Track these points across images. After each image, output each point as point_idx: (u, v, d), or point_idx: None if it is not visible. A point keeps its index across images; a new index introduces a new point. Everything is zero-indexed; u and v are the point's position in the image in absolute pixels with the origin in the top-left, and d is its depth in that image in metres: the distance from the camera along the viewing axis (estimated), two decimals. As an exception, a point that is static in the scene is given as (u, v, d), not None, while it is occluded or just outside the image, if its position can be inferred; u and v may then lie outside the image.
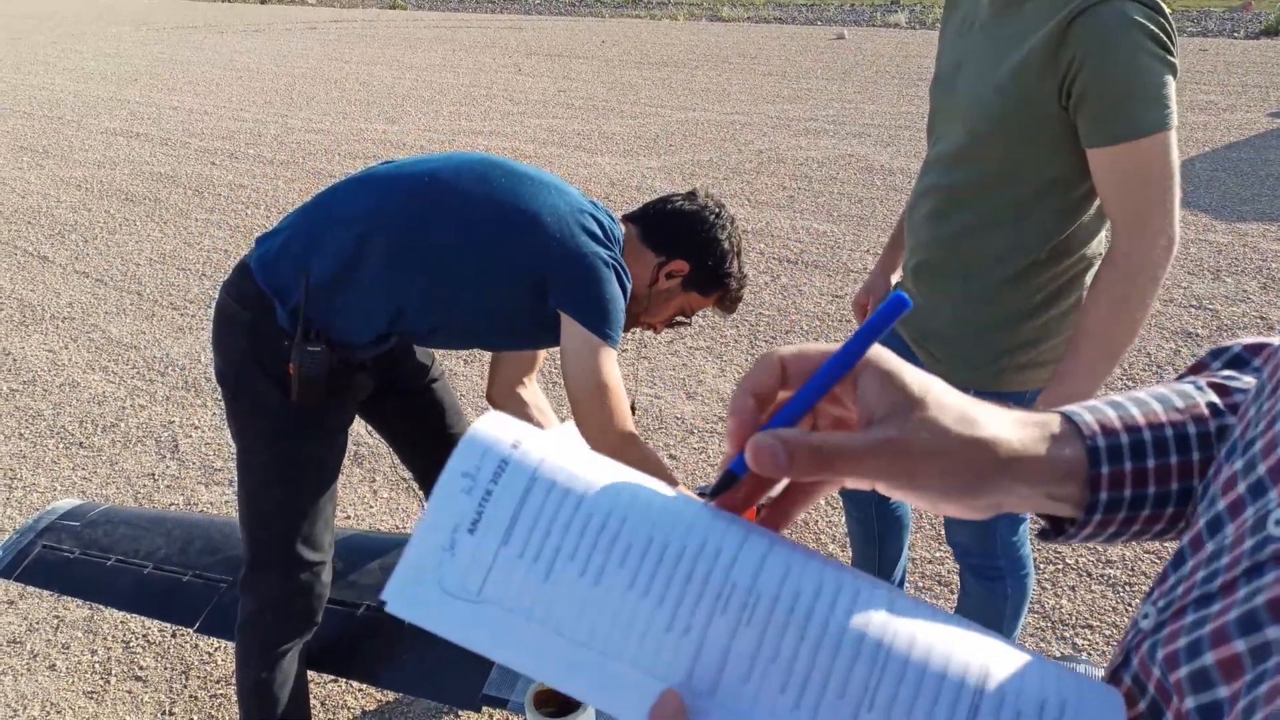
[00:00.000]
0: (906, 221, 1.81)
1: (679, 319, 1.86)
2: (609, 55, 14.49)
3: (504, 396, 1.97)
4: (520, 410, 1.96)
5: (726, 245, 1.77)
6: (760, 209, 6.19)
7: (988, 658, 0.44)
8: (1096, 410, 0.51)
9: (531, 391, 1.99)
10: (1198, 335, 4.07)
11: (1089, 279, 1.60)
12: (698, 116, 9.48)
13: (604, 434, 1.65)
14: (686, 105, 10.13)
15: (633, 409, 2.09)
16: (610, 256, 1.62)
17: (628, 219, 1.79)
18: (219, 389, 3.80)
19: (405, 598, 0.46)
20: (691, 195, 1.80)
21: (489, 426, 0.52)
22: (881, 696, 0.42)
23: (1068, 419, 0.50)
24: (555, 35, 17.47)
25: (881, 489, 0.46)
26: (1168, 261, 1.44)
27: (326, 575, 1.74)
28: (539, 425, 1.98)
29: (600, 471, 0.49)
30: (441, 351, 4.07)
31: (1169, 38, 1.38)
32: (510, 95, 11.12)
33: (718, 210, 1.78)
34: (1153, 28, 1.36)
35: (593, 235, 1.61)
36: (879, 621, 0.44)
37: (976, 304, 1.65)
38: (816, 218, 5.98)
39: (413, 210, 1.61)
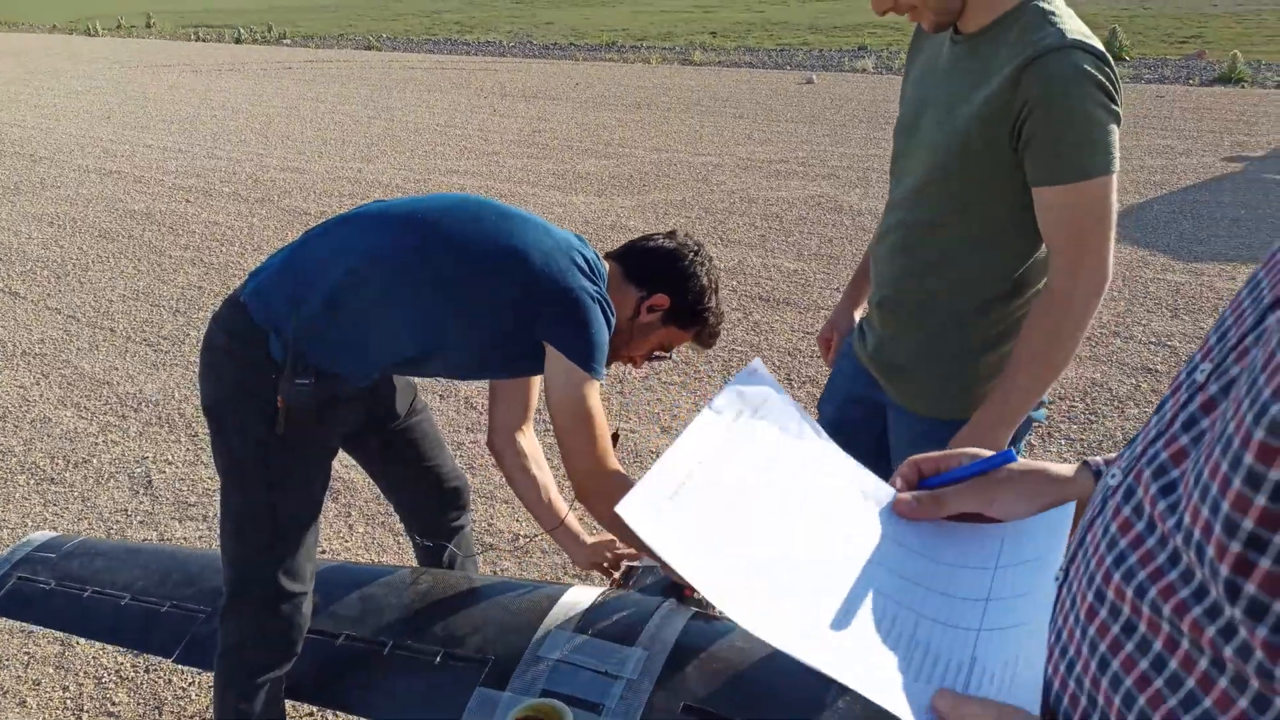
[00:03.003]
0: (871, 258, 1.88)
1: (658, 353, 1.92)
2: (582, 97, 14.68)
3: (504, 444, 2.01)
4: (517, 461, 2.01)
5: (705, 281, 1.84)
6: (732, 248, 6.29)
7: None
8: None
9: (530, 442, 2.04)
10: (1157, 371, 4.19)
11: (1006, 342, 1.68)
12: (670, 158, 9.63)
13: (585, 462, 1.70)
14: (659, 147, 10.29)
15: (615, 439, 2.14)
16: (596, 292, 1.68)
17: (610, 256, 1.86)
18: (194, 423, 3.81)
19: (637, 506, 0.70)
20: (671, 235, 1.88)
21: (760, 369, 0.92)
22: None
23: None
24: (529, 77, 17.68)
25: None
26: (1098, 299, 1.53)
27: (307, 606, 1.76)
28: (535, 478, 2.02)
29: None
30: (422, 383, 4.10)
31: (1114, 87, 1.47)
32: (485, 135, 11.23)
33: (696, 249, 1.86)
34: (1100, 78, 1.44)
35: (580, 270, 1.68)
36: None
37: (938, 336, 1.71)
38: (787, 256, 6.09)
39: (405, 246, 1.66)
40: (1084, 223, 1.49)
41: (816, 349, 4.52)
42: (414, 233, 1.68)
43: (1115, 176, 1.49)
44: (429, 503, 2.10)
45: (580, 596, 1.85)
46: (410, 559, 2.30)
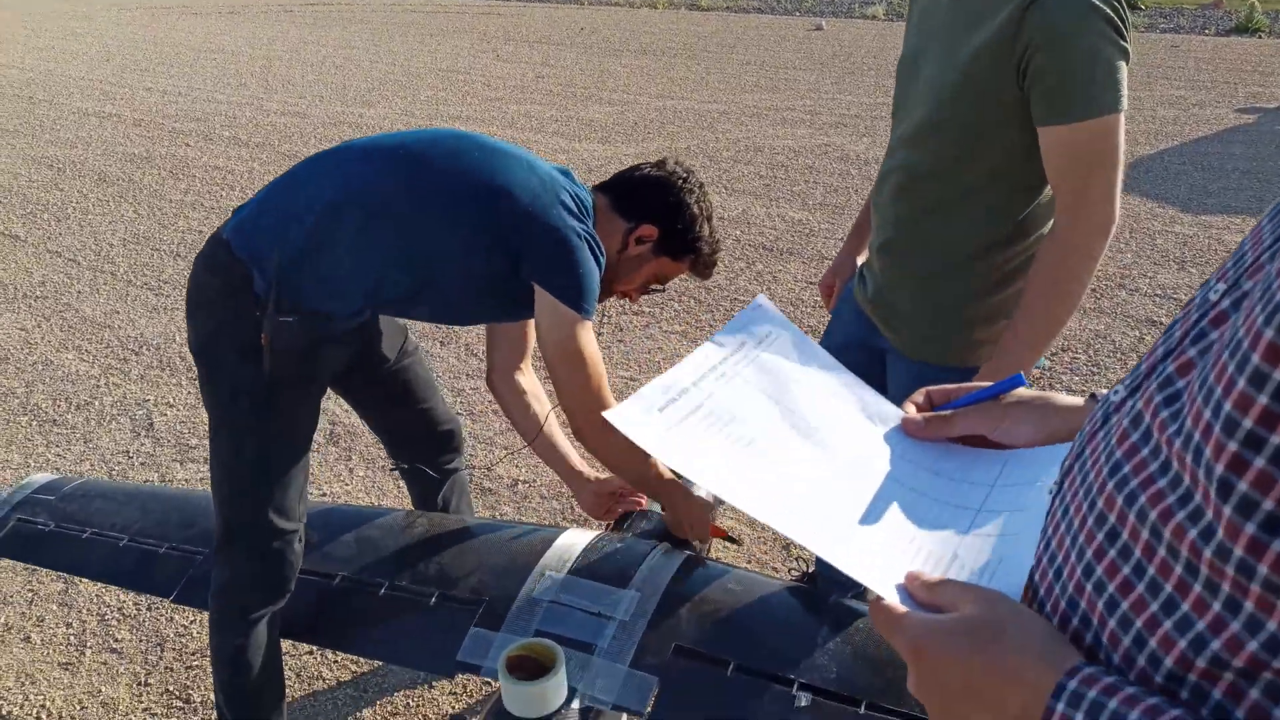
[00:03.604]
0: (872, 201, 1.86)
1: (654, 286, 1.89)
2: (588, 42, 14.46)
3: (503, 383, 2.00)
4: (518, 399, 2.01)
5: (695, 209, 1.79)
6: (737, 197, 6.23)
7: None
8: None
9: (529, 379, 2.03)
10: (1161, 324, 4.16)
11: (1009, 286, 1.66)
12: (676, 105, 9.50)
13: (579, 400, 1.69)
14: (665, 94, 10.15)
15: None
16: (583, 229, 1.65)
17: (599, 189, 1.83)
18: (193, 364, 3.81)
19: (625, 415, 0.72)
20: (660, 164, 1.84)
21: (766, 306, 0.92)
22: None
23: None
24: (534, 22, 17.40)
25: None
26: (1105, 240, 1.50)
27: (298, 544, 1.77)
28: (536, 414, 2.02)
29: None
30: (421, 329, 4.09)
31: (1123, 23, 1.43)
32: (488, 81, 11.08)
33: (685, 176, 1.81)
34: (1108, 11, 1.41)
35: (565, 208, 1.64)
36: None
37: (937, 281, 1.70)
38: (792, 206, 6.03)
39: (385, 182, 1.64)
40: (1090, 162, 1.46)
41: (820, 299, 4.49)
42: (394, 166, 1.65)
43: (1123, 115, 1.45)
44: (422, 445, 2.11)
45: (575, 539, 1.86)
46: (409, 503, 2.31)
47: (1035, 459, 0.76)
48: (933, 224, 1.67)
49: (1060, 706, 0.51)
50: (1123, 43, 1.43)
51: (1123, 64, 1.43)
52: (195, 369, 1.76)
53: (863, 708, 1.47)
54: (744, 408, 0.78)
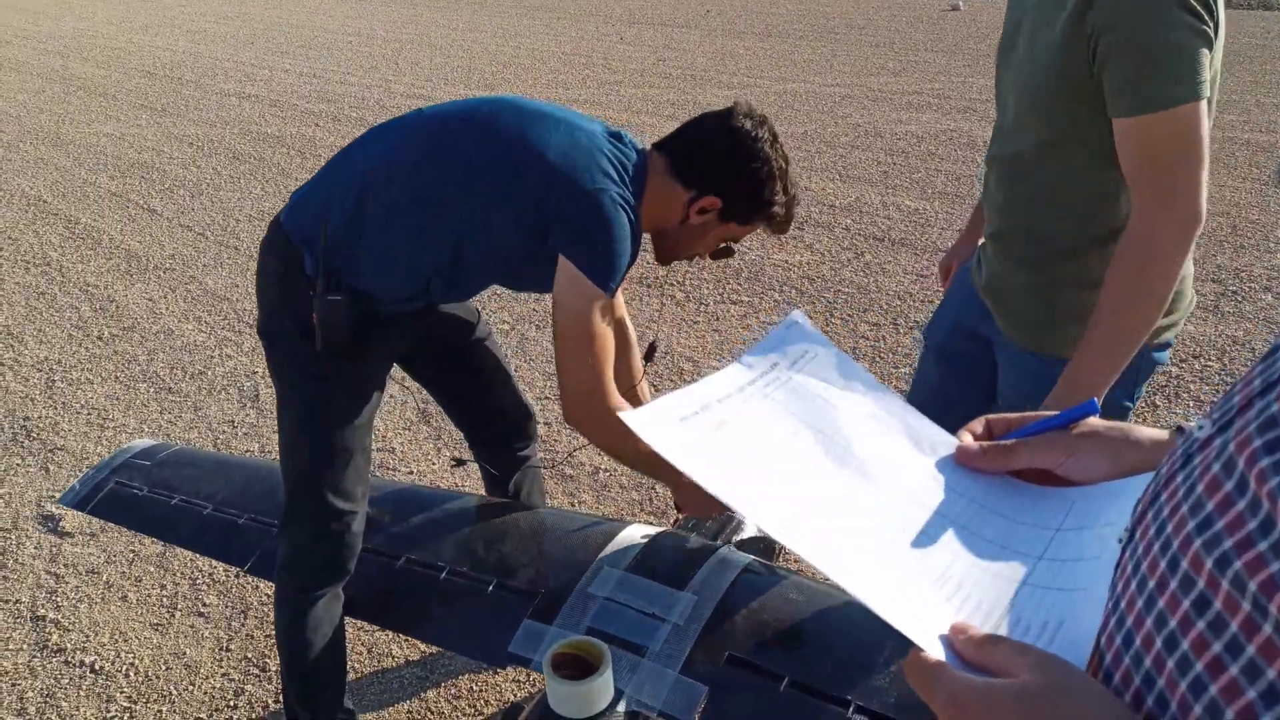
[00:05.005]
0: (981, 189, 1.77)
1: (724, 245, 1.76)
2: (712, 25, 14.30)
3: (620, 404, 1.94)
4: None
5: (764, 173, 1.63)
6: (851, 184, 6.03)
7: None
8: None
9: (645, 397, 1.99)
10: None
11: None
12: (796, 88, 9.29)
13: (577, 383, 1.61)
14: (786, 77, 9.94)
15: (651, 351, 2.04)
16: (620, 196, 1.54)
17: (657, 147, 1.69)
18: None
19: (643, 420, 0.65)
20: (726, 116, 1.64)
21: (801, 323, 0.82)
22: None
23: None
24: (660, 4, 17.34)
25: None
26: (1189, 241, 1.38)
27: (358, 525, 1.77)
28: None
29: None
30: (520, 311, 4.09)
31: (1203, 3, 1.29)
32: (609, 64, 11.09)
33: (753, 132, 1.63)
34: None
35: (603, 172, 1.55)
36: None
37: (1046, 270, 1.60)
38: (909, 194, 5.80)
39: (415, 157, 1.60)
40: (1165, 156, 1.35)
41: (928, 294, 4.30)
42: (423, 143, 1.60)
43: (1203, 103, 1.32)
44: (493, 432, 2.09)
45: (636, 535, 1.81)
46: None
47: (1109, 497, 0.66)
48: (1038, 212, 1.56)
49: None
50: (1202, 25, 1.29)
51: (1200, 49, 1.30)
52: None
53: (921, 738, 1.38)
54: (771, 431, 0.69)
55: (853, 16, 14.61)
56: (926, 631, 0.52)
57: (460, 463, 2.12)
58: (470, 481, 3.04)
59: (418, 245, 1.61)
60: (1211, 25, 1.31)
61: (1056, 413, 0.72)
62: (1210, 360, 3.59)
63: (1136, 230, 1.39)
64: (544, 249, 1.58)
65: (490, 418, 2.08)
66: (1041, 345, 1.65)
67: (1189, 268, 1.54)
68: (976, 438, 0.74)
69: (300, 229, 1.62)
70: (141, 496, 2.26)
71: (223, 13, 17.54)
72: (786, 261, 4.74)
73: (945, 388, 1.90)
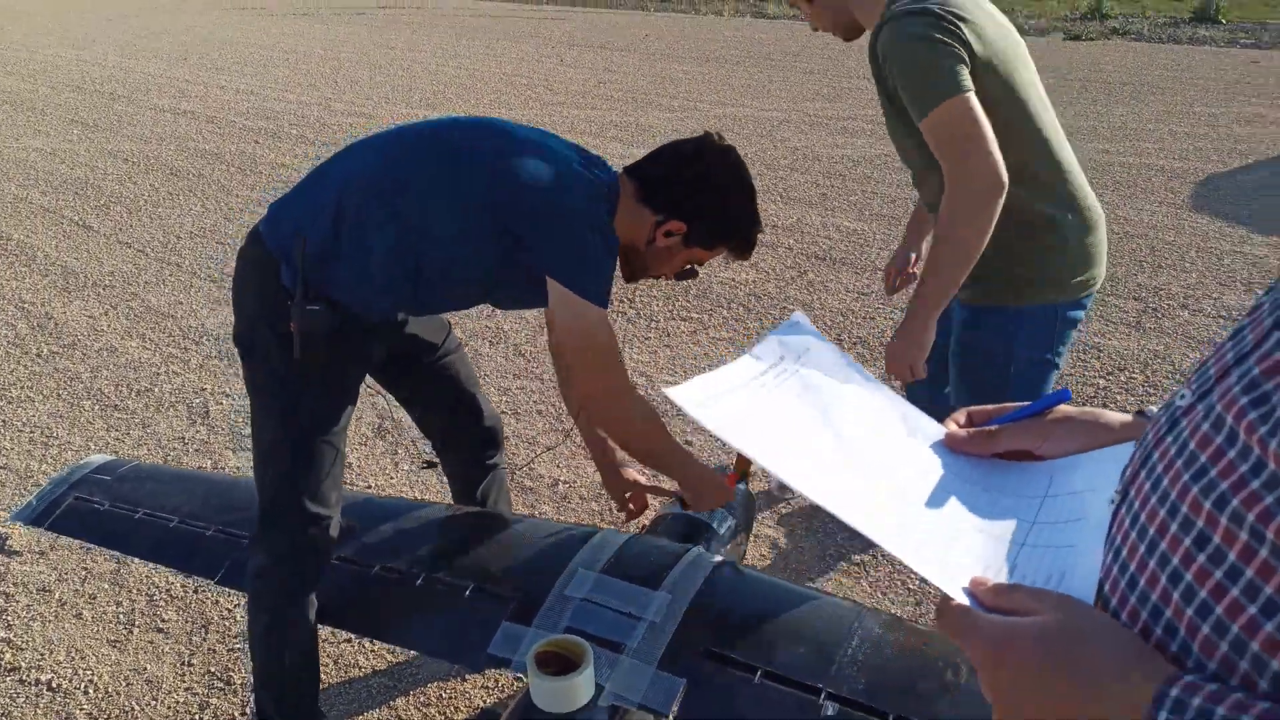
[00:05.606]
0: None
1: (687, 268, 1.84)
2: (651, 49, 14.50)
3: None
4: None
5: (729, 203, 1.72)
6: (792, 205, 6.19)
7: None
8: None
9: None
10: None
11: (1042, 228, 1.90)
12: (736, 112, 9.48)
13: (594, 387, 1.68)
14: (726, 100, 10.13)
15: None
16: (593, 218, 1.62)
17: (628, 172, 1.77)
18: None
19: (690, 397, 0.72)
20: (699, 144, 1.74)
21: (801, 324, 0.91)
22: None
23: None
24: (599, 27, 17.50)
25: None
26: (993, 200, 1.73)
27: (333, 530, 1.80)
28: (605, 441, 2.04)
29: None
30: (470, 329, 4.13)
31: (940, 19, 1.72)
32: (550, 85, 11.18)
33: (722, 165, 1.72)
34: (920, 21, 1.73)
35: (577, 195, 1.62)
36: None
37: None
38: (848, 216, 5.98)
39: (392, 175, 1.65)
40: (951, 141, 1.73)
41: (870, 309, 4.45)
42: (400, 161, 1.66)
43: (969, 95, 1.70)
44: (462, 440, 2.13)
45: (608, 540, 1.86)
46: (451, 498, 2.34)
47: (1082, 466, 0.75)
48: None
49: (1164, 715, 0.49)
50: (949, 45, 1.71)
51: (954, 63, 1.71)
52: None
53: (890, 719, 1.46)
54: (793, 412, 0.77)
55: (787, 44, 14.94)
56: (953, 580, 0.60)
57: (431, 465, 2.16)
58: (431, 493, 3.06)
59: (393, 262, 1.65)
60: (958, 43, 1.72)
61: (1030, 403, 0.81)
62: (1135, 373, 3.79)
63: (945, 200, 1.77)
64: (520, 269, 1.64)
65: (461, 426, 2.12)
66: (970, 298, 1.99)
67: (1101, 236, 1.95)
68: (960, 426, 0.83)
69: (278, 242, 1.66)
70: (103, 511, 2.24)
71: (150, 28, 17.20)
72: (733, 279, 4.85)
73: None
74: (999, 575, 0.64)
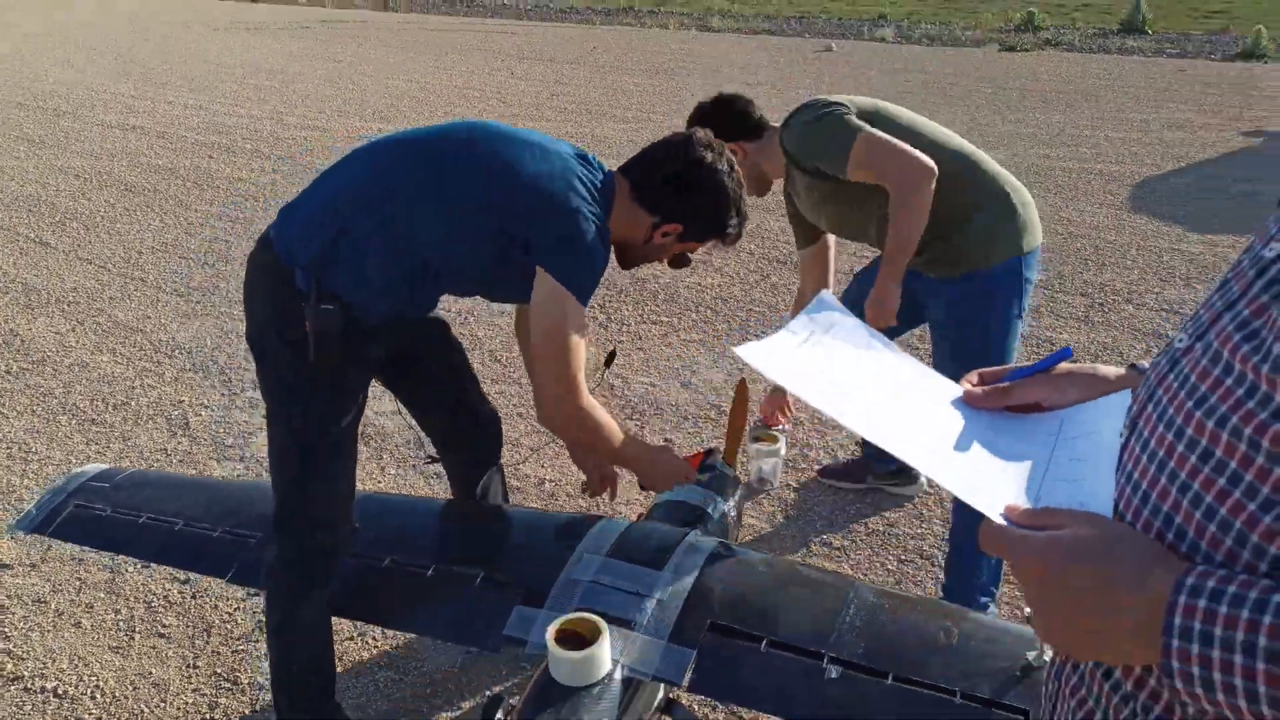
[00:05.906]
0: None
1: (680, 259, 1.97)
2: (600, 61, 14.64)
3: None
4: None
5: (722, 203, 1.83)
6: (753, 211, 6.29)
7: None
8: None
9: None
10: (1168, 336, 4.26)
11: (986, 203, 2.32)
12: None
13: (553, 388, 1.74)
14: (677, 112, 10.28)
15: (611, 359, 2.25)
16: (593, 216, 1.70)
17: (622, 171, 1.86)
18: (227, 370, 3.93)
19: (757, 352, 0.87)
20: (688, 146, 1.82)
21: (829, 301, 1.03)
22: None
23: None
24: (547, 41, 17.61)
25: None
26: (925, 182, 2.16)
27: (345, 531, 1.86)
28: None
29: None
30: (461, 319, 4.19)
31: (817, 104, 2.29)
32: (503, 97, 11.25)
33: (714, 166, 1.81)
34: (805, 112, 2.30)
35: (576, 194, 1.70)
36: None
37: (933, 239, 2.33)
38: (805, 221, 6.15)
39: (381, 181, 1.73)
40: (875, 163, 2.18)
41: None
42: (399, 165, 1.74)
43: (865, 130, 2.19)
44: (464, 437, 2.20)
45: (610, 526, 1.96)
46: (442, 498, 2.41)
47: (1089, 411, 0.87)
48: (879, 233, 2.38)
49: (1183, 597, 0.58)
50: (829, 110, 2.26)
51: (837, 118, 2.23)
52: (239, 373, 1.87)
53: (889, 679, 1.57)
54: (836, 370, 0.90)
55: (733, 56, 15.19)
56: (994, 504, 0.71)
57: (434, 460, 2.24)
58: (423, 494, 3.12)
59: (389, 265, 1.73)
60: (839, 108, 2.25)
61: (1034, 363, 0.94)
62: (1084, 363, 3.98)
63: (892, 198, 2.20)
64: (520, 264, 1.72)
65: (461, 427, 2.20)
66: (949, 274, 2.37)
67: (1030, 202, 2.36)
68: (974, 385, 0.95)
69: (288, 249, 1.72)
70: (105, 517, 2.27)
71: (91, 43, 16.90)
72: (700, 284, 4.98)
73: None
74: (1026, 503, 0.75)
